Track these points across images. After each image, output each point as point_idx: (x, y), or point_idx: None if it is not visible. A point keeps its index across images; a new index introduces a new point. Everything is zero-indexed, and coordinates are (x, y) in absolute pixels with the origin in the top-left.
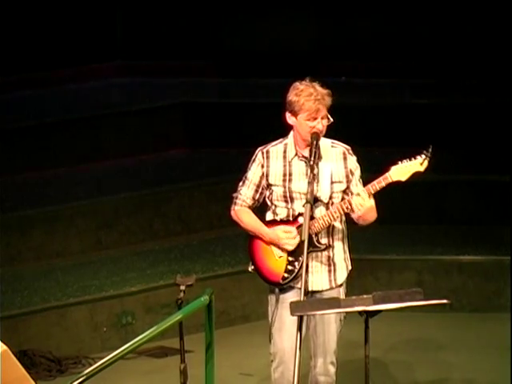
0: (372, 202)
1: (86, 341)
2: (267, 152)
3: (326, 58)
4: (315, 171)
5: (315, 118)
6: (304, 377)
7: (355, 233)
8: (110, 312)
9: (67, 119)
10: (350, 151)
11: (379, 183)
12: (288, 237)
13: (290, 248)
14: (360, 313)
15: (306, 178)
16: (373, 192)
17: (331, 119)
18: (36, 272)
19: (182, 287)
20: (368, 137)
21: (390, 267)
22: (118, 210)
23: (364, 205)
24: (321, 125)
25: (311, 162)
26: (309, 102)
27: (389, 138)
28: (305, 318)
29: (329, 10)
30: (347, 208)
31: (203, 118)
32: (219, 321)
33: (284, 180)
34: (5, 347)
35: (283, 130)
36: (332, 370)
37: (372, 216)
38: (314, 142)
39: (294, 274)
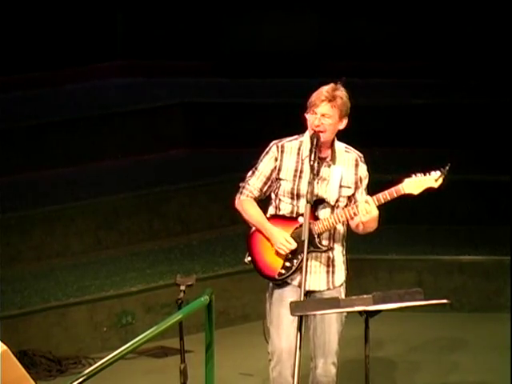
0: (377, 212)
1: (86, 341)
2: (282, 146)
3: (326, 58)
4: (327, 174)
5: (314, 113)
6: (304, 377)
7: (355, 233)
8: (110, 312)
9: (67, 119)
10: (363, 159)
11: (391, 194)
12: (285, 245)
13: (281, 252)
14: (360, 313)
15: (317, 178)
16: (383, 201)
17: (342, 124)
18: (36, 272)
19: (182, 287)
20: (368, 137)
21: (390, 267)
22: (117, 210)
23: (370, 212)
24: (317, 121)
25: (311, 162)
26: (314, 95)
27: (389, 138)
28: (304, 318)
29: (329, 10)
30: (354, 213)
31: (203, 118)
32: (219, 321)
33: (295, 176)
34: (5, 347)
35: (283, 130)
36: (333, 370)
37: (373, 226)
38: (314, 143)
39: (291, 271)
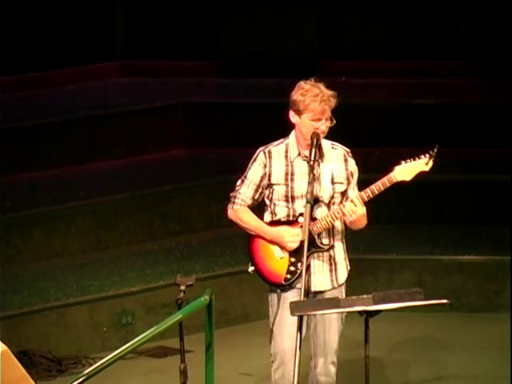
0: (364, 210)
1: (86, 341)
2: (269, 152)
3: (326, 58)
4: (317, 171)
5: (319, 119)
6: (304, 377)
7: (355, 232)
8: (110, 312)
9: (66, 119)
10: (350, 154)
11: (384, 184)
12: (292, 234)
13: (294, 246)
14: (360, 313)
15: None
16: (377, 193)
17: (334, 121)
18: (36, 272)
19: (182, 287)
20: (368, 137)
21: (390, 267)
22: (118, 209)
23: (356, 211)
24: (324, 126)
25: (311, 162)
26: (315, 102)
27: (389, 137)
28: (305, 318)
29: (329, 10)
30: (339, 216)
31: (203, 118)
32: (219, 321)
33: (286, 179)
34: (5, 347)
35: (283, 130)
36: (333, 370)
37: (362, 224)
38: (314, 142)
39: (297, 275)
